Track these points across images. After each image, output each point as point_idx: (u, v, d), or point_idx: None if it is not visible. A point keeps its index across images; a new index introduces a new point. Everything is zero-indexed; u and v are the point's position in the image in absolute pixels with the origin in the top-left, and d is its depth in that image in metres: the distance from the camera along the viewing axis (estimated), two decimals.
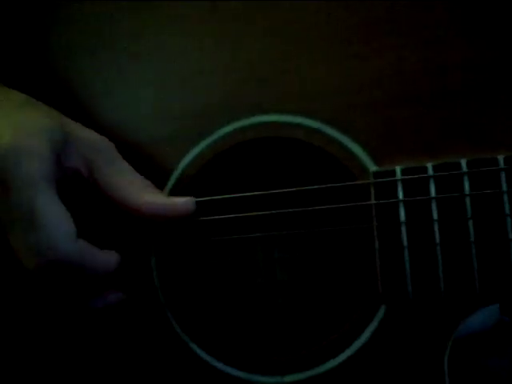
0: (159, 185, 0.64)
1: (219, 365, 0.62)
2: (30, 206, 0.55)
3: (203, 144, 0.64)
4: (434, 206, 0.56)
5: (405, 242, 0.56)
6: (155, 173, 0.65)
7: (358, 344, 0.58)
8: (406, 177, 0.57)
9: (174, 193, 0.64)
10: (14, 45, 0.69)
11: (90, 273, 0.58)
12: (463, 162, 0.55)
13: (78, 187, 0.62)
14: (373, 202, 0.58)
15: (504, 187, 0.54)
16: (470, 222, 0.55)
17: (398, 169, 0.57)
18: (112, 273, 0.60)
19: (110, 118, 0.67)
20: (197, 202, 0.63)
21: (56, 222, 0.55)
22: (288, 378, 0.60)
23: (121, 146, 0.64)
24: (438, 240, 0.55)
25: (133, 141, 0.66)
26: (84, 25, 0.68)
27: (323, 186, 0.59)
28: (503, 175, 0.54)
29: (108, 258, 0.60)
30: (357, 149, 0.59)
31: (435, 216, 0.56)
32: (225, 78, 0.63)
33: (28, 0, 0.69)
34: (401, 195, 0.57)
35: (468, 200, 0.55)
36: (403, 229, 0.56)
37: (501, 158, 0.54)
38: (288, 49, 0.62)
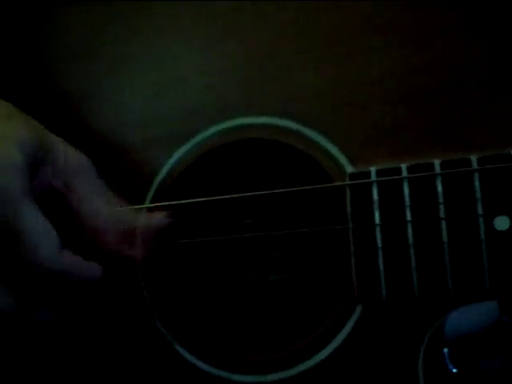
0: (145, 186, 0.66)
1: (201, 364, 0.63)
2: (12, 221, 0.54)
3: (188, 145, 0.65)
4: (407, 206, 0.56)
5: (379, 244, 0.56)
6: (141, 174, 0.66)
7: (336, 342, 0.58)
8: (380, 178, 0.57)
9: (159, 193, 0.65)
10: (5, 50, 0.71)
11: (75, 282, 0.58)
12: (436, 163, 0.55)
13: (59, 200, 0.62)
14: (348, 203, 0.58)
15: (477, 188, 0.54)
16: (443, 223, 0.55)
17: (372, 170, 0.57)
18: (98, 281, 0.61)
19: (98, 121, 0.68)
20: (180, 204, 0.64)
21: (38, 234, 0.55)
22: (271, 377, 0.61)
23: (107, 148, 0.65)
24: (411, 241, 0.55)
25: (120, 143, 0.67)
26: (76, 26, 0.69)
27: (299, 188, 0.60)
28: (476, 176, 0.54)
29: (91, 267, 0.60)
30: (334, 150, 0.60)
31: (408, 217, 0.56)
32: (211, 79, 0.64)
33: (20, 5, 0.70)
34: (376, 196, 0.57)
35: (441, 200, 0.55)
36: (377, 230, 0.57)
37: (474, 158, 0.54)
38: (270, 51, 0.62)
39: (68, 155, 0.60)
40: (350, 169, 0.59)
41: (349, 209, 0.58)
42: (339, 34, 0.60)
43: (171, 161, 0.65)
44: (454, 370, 0.61)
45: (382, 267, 0.56)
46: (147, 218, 0.63)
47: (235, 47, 0.64)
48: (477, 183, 0.54)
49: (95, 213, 0.60)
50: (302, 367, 0.59)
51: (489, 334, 0.61)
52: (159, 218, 0.63)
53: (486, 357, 0.62)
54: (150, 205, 0.65)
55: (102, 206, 0.61)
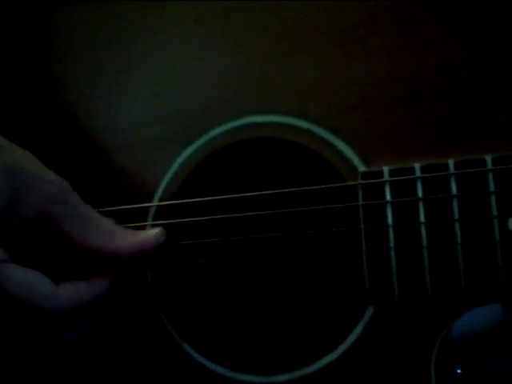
0: (151, 187, 0.65)
1: (210, 364, 0.62)
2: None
3: (197, 145, 0.64)
4: (420, 207, 0.55)
5: (391, 244, 0.56)
6: (149, 174, 0.65)
7: (346, 344, 0.58)
8: (393, 178, 0.56)
9: (166, 193, 0.65)
10: (10, 47, 0.71)
11: (83, 307, 0.58)
12: (451, 163, 0.55)
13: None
14: (360, 202, 0.57)
15: (491, 188, 0.53)
16: (457, 224, 0.54)
17: (385, 169, 0.57)
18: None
19: (102, 121, 0.67)
20: (189, 202, 0.63)
21: (33, 294, 0.54)
22: (278, 378, 0.60)
23: (112, 149, 0.65)
24: (424, 241, 0.55)
25: (126, 142, 0.67)
26: (78, 27, 0.69)
27: (311, 187, 0.59)
28: (491, 176, 0.53)
29: (97, 286, 0.59)
30: (346, 149, 0.59)
31: (422, 218, 0.55)
32: (218, 79, 0.64)
33: (22, 5, 0.70)
34: (388, 196, 0.56)
35: (455, 201, 0.54)
36: (390, 230, 0.56)
37: (488, 158, 0.54)
38: (280, 50, 0.62)
39: (42, 185, 0.56)
40: (362, 168, 0.58)
41: (361, 209, 0.57)
42: (350, 33, 0.60)
43: (179, 160, 0.65)
44: (459, 371, 0.61)
45: (394, 268, 0.55)
46: (139, 236, 0.62)
47: (243, 46, 0.63)
48: (491, 183, 0.53)
49: (84, 233, 0.58)
50: (311, 368, 0.59)
51: (492, 335, 0.61)
52: (159, 233, 0.62)
53: (489, 358, 0.61)
54: (159, 203, 0.65)
55: (95, 231, 0.59)
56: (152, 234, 0.62)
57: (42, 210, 0.56)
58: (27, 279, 0.54)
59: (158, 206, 0.65)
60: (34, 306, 0.54)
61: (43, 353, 0.65)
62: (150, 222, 0.65)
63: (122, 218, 0.65)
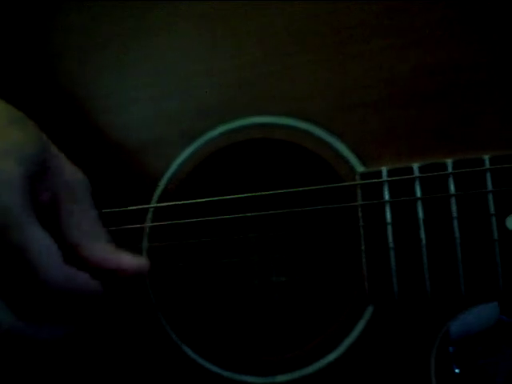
0: (150, 187, 0.65)
1: (209, 365, 0.62)
2: (16, 241, 0.51)
3: (196, 145, 0.65)
4: (419, 206, 0.56)
5: (391, 243, 0.56)
6: (147, 174, 0.66)
7: (346, 343, 0.58)
8: (391, 178, 0.57)
9: (165, 194, 0.65)
10: (11, 47, 0.71)
11: (78, 296, 0.56)
12: (449, 163, 0.55)
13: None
14: (359, 203, 0.58)
15: (489, 187, 0.54)
16: (455, 223, 0.54)
17: (384, 170, 0.57)
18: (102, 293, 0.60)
19: (103, 120, 0.68)
20: (188, 203, 0.63)
21: (45, 253, 0.53)
22: (280, 378, 0.60)
23: (112, 148, 0.65)
24: (423, 240, 0.55)
25: (125, 142, 0.67)
26: (81, 26, 0.69)
27: (310, 187, 0.60)
28: (488, 175, 0.54)
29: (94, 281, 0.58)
30: (345, 150, 0.60)
31: (421, 216, 0.55)
32: (218, 80, 0.64)
33: (26, 4, 0.70)
34: (387, 196, 0.57)
35: (453, 200, 0.55)
36: (389, 229, 0.56)
37: (486, 158, 0.54)
38: (279, 51, 0.62)
39: (64, 171, 0.57)
40: (360, 169, 0.59)
41: (360, 209, 0.57)
42: (349, 34, 0.60)
43: (178, 161, 0.65)
44: (457, 371, 0.61)
45: (393, 266, 0.56)
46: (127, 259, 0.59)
47: (242, 47, 0.64)
48: (489, 182, 0.54)
49: (76, 228, 0.57)
50: (311, 369, 0.59)
51: (490, 334, 0.61)
52: (140, 263, 0.59)
53: (486, 357, 0.62)
54: (157, 204, 0.65)
55: (83, 223, 0.58)
56: (129, 261, 0.59)
57: (56, 191, 0.56)
58: (47, 242, 0.53)
59: (157, 207, 0.65)
60: (39, 269, 0.52)
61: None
62: (148, 224, 0.65)
63: (121, 219, 0.65)
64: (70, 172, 0.58)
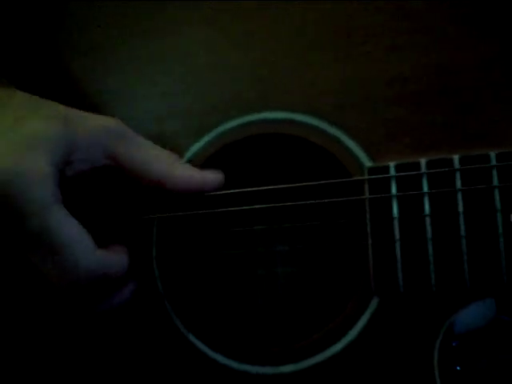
0: None
1: (216, 355, 0.63)
2: (46, 232, 0.54)
3: (206, 139, 0.66)
4: (426, 201, 0.57)
5: (397, 237, 0.57)
6: None
7: (351, 335, 0.59)
8: (399, 173, 0.58)
9: None
10: (22, 43, 0.72)
11: (109, 279, 0.59)
12: (456, 159, 0.56)
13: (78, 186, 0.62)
14: (366, 196, 0.59)
15: (495, 183, 0.55)
16: (461, 217, 0.55)
17: (391, 165, 0.58)
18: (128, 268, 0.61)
19: (117, 116, 0.69)
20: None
21: (73, 241, 0.55)
22: (285, 369, 0.61)
23: None
24: (429, 235, 0.56)
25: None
26: (92, 24, 0.70)
27: (318, 182, 0.61)
28: (495, 171, 0.55)
29: (121, 259, 0.60)
30: (353, 145, 0.61)
31: (427, 211, 0.56)
32: (230, 76, 0.65)
33: (36, 1, 0.72)
34: (394, 190, 0.58)
35: (460, 195, 0.56)
36: (395, 224, 0.57)
37: (493, 154, 0.55)
38: (291, 48, 0.64)
39: (99, 127, 0.60)
40: (368, 164, 0.60)
41: (367, 203, 0.58)
42: (359, 32, 0.61)
43: (188, 155, 0.66)
44: (458, 368, 0.62)
45: (399, 260, 0.57)
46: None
47: (254, 44, 0.65)
48: (495, 178, 0.55)
49: (147, 164, 0.61)
50: (316, 359, 0.60)
51: (489, 332, 0.61)
52: (219, 176, 0.63)
53: (486, 355, 0.62)
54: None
55: (156, 159, 0.61)
56: (213, 175, 0.63)
57: (106, 146, 0.60)
58: (77, 233, 0.56)
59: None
60: (71, 258, 0.55)
61: (84, 315, 0.65)
62: (157, 215, 0.66)
63: (133, 211, 0.66)
64: (105, 125, 0.61)
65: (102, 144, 0.60)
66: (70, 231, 0.56)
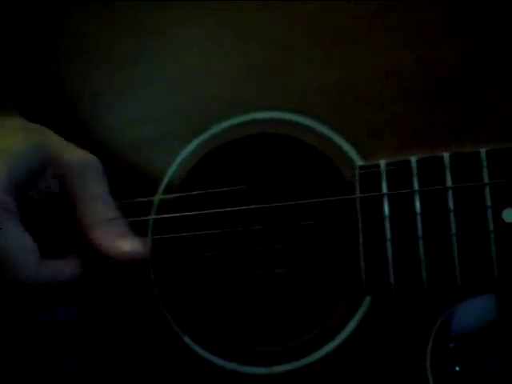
0: (154, 183, 0.67)
1: (210, 356, 0.63)
2: None
3: (199, 140, 0.66)
4: (417, 199, 0.56)
5: (388, 236, 0.57)
6: (152, 168, 0.67)
7: (344, 334, 0.59)
8: (389, 169, 0.58)
9: (169, 188, 0.66)
10: (13, 49, 0.73)
11: (54, 288, 0.60)
12: (446, 156, 0.56)
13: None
14: (357, 195, 0.59)
15: (486, 180, 0.54)
16: (452, 215, 0.55)
17: (382, 163, 0.58)
18: (78, 280, 0.61)
19: (108, 117, 0.69)
20: (192, 196, 0.65)
21: (18, 252, 0.56)
22: (278, 369, 0.61)
23: (118, 145, 0.66)
24: (420, 233, 0.56)
25: (131, 139, 0.68)
26: (81, 27, 0.71)
27: (309, 180, 0.61)
28: (485, 168, 0.55)
29: (70, 269, 0.61)
30: (345, 144, 0.61)
31: (418, 209, 0.56)
32: (222, 76, 0.66)
33: (30, 6, 0.72)
34: (385, 189, 0.58)
35: (450, 193, 0.55)
36: (387, 222, 0.57)
37: (483, 151, 0.55)
38: (282, 48, 0.64)
39: (71, 159, 0.61)
40: (359, 162, 0.60)
41: (358, 201, 0.58)
42: (350, 31, 0.61)
43: (182, 155, 0.66)
44: (457, 369, 0.61)
45: (390, 258, 0.56)
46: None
47: (245, 44, 0.65)
48: (485, 176, 0.54)
49: (91, 213, 0.61)
50: (310, 359, 0.60)
51: (489, 332, 0.61)
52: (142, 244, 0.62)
53: (486, 356, 0.62)
54: (162, 196, 0.66)
55: (98, 208, 0.61)
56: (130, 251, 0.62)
57: (66, 180, 0.61)
58: (22, 241, 0.57)
59: (162, 200, 0.66)
60: (14, 267, 0.56)
61: (30, 327, 0.66)
62: (152, 216, 0.66)
63: (126, 211, 0.66)
64: (79, 159, 0.61)
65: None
66: (15, 240, 0.56)
